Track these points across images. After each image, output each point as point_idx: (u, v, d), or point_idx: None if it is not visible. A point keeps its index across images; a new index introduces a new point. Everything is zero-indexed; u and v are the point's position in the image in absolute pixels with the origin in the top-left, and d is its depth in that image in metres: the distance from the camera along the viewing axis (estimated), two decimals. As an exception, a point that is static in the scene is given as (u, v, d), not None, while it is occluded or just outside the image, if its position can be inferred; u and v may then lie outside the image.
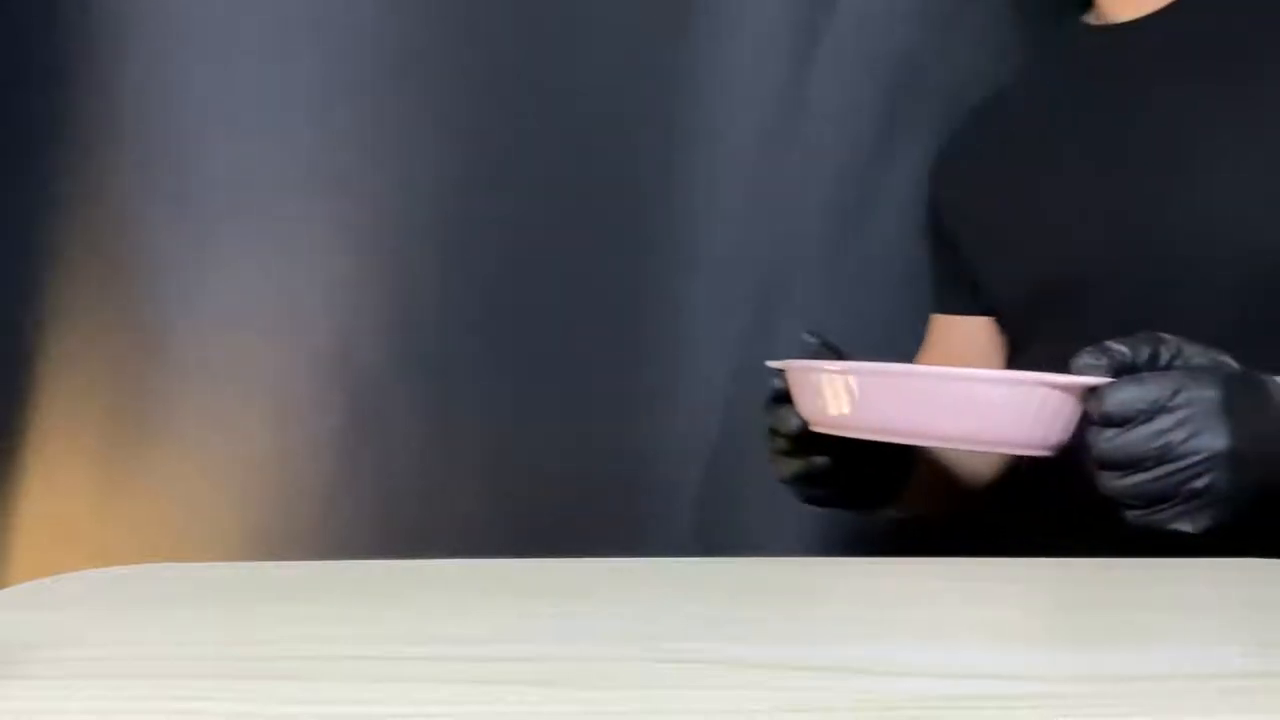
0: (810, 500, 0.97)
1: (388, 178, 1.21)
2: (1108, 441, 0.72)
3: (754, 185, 1.20)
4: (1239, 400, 0.73)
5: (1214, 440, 0.72)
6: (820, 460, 0.91)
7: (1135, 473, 0.73)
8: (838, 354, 0.90)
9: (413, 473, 1.22)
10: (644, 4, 1.21)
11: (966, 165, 1.08)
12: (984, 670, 0.52)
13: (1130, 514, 0.74)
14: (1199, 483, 0.72)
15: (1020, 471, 1.06)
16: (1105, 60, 0.99)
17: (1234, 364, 0.76)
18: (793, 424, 0.87)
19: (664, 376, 1.22)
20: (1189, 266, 0.89)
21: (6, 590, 0.71)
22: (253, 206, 1.20)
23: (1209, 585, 0.68)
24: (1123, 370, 0.74)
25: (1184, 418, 0.72)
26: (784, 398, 0.88)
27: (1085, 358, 0.74)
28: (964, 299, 1.10)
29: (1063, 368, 0.77)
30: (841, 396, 0.80)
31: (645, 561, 0.73)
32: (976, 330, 1.10)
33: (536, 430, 1.21)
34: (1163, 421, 0.71)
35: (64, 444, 1.21)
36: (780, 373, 0.88)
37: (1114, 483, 0.73)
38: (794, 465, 0.93)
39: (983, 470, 1.07)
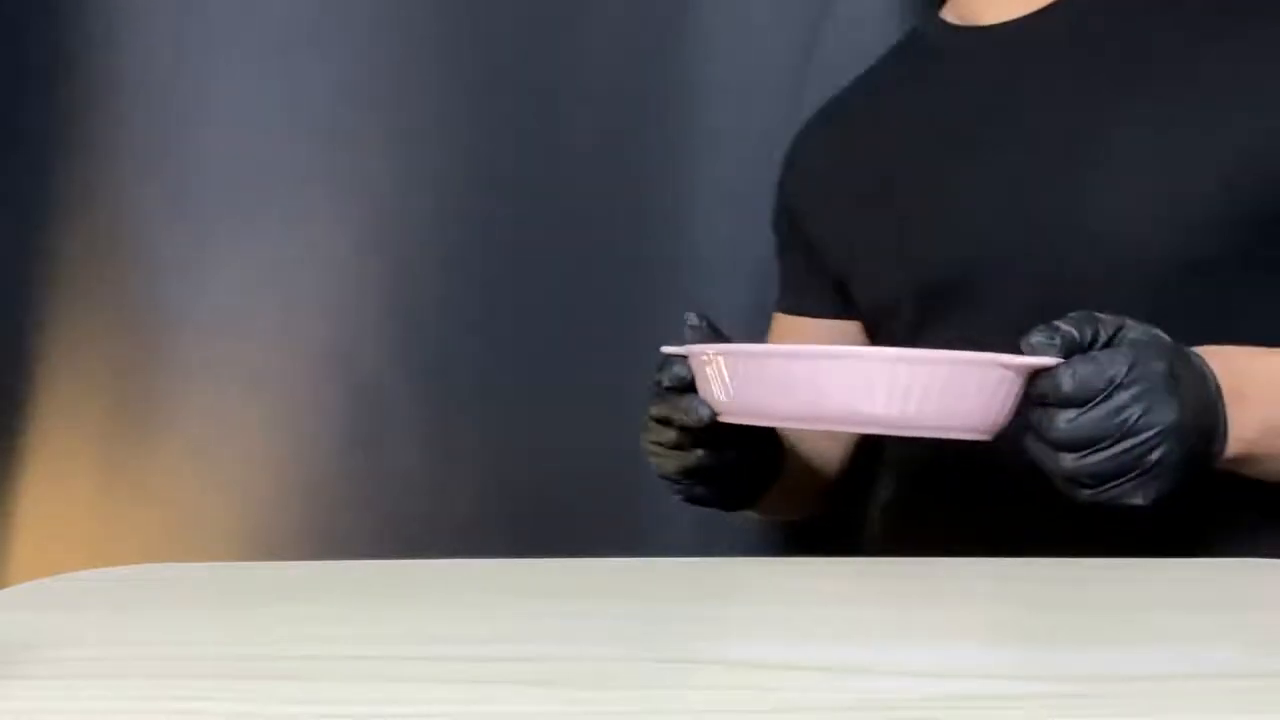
0: (693, 498, 0.92)
1: (388, 177, 1.21)
2: (1069, 422, 0.71)
3: (754, 185, 1.20)
4: (1180, 372, 0.73)
5: (1166, 414, 0.71)
6: (729, 454, 0.87)
7: (1094, 452, 0.71)
8: (723, 337, 0.85)
9: (413, 473, 1.22)
10: (644, 4, 1.21)
11: (829, 168, 1.05)
12: (983, 670, 0.52)
13: (1084, 492, 0.73)
14: (1153, 455, 0.71)
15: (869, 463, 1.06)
16: (977, 62, 0.97)
17: (1166, 338, 0.75)
18: (703, 414, 0.79)
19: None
20: (1079, 266, 0.88)
21: (6, 590, 0.71)
22: (253, 206, 1.20)
23: (1209, 585, 0.68)
24: (1072, 350, 0.73)
25: (1139, 393, 0.71)
26: (686, 386, 0.81)
27: (1038, 337, 0.72)
28: (824, 301, 1.07)
29: None
30: (757, 381, 0.74)
31: (645, 561, 0.73)
32: (836, 333, 1.07)
33: (536, 430, 1.21)
34: (1120, 398, 0.71)
35: (64, 444, 1.21)
36: (682, 359, 0.81)
37: (1073, 463, 0.72)
38: (689, 460, 0.87)
39: (836, 458, 1.06)
